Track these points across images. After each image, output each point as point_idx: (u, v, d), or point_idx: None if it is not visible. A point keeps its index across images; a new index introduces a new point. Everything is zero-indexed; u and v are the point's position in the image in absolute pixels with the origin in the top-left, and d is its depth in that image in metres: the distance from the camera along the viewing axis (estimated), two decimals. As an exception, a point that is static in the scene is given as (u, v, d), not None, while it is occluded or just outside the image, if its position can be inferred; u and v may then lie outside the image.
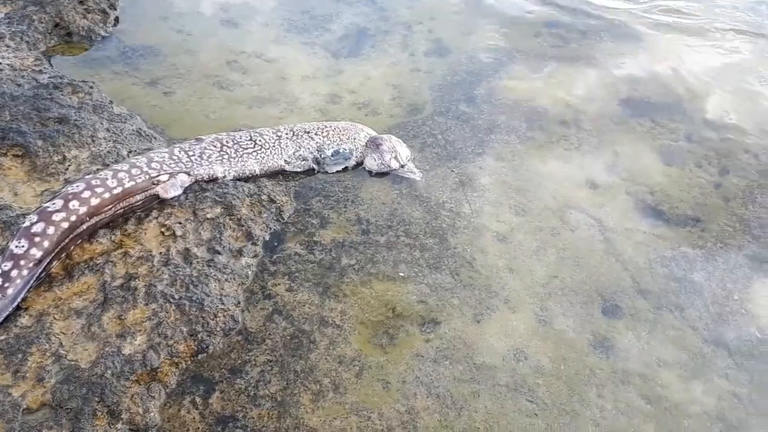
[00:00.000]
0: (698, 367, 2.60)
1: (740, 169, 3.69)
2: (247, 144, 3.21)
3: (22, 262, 2.40)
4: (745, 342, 2.71)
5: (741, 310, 2.84)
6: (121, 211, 2.79)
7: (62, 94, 3.51)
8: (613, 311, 2.81)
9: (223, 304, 2.52)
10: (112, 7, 4.60)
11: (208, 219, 2.85)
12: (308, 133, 3.40)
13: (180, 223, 2.80)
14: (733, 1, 5.76)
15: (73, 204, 2.59)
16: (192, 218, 2.84)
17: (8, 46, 3.91)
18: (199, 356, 2.39)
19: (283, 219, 3.04)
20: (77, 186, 2.66)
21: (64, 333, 2.30)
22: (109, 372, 2.19)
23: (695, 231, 3.26)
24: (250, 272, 2.73)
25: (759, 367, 2.62)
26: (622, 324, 2.76)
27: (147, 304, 2.44)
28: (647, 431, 2.35)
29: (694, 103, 4.29)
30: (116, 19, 4.59)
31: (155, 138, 3.43)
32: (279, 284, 2.72)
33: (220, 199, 2.95)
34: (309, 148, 3.36)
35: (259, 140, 3.25)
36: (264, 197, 3.06)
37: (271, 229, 2.97)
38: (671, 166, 3.71)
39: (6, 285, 2.34)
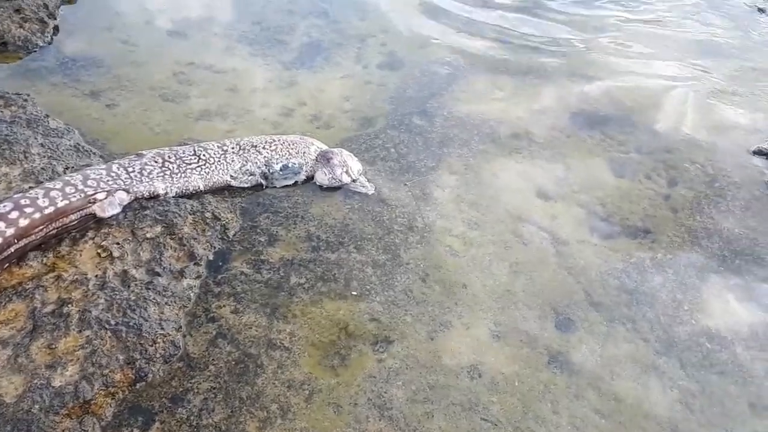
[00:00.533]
0: (651, 379, 2.59)
1: (688, 181, 3.76)
2: (190, 159, 3.09)
3: (-60, 289, 2.22)
4: (695, 353, 2.73)
5: (691, 320, 2.86)
6: (54, 231, 2.63)
7: (-7, 108, 3.32)
8: (567, 325, 2.79)
9: (162, 329, 2.39)
10: (51, 16, 4.41)
11: (147, 239, 2.71)
12: (255, 147, 3.30)
13: (118, 243, 2.66)
14: (682, 13, 5.93)
15: None
16: (130, 238, 2.70)
17: (-65, 57, 3.70)
18: (137, 385, 2.25)
19: (228, 237, 2.92)
20: (4, 206, 2.49)
21: (-14, 365, 2.14)
22: (37, 406, 2.04)
23: (646, 242, 3.29)
24: (192, 294, 2.60)
25: (709, 378, 2.63)
26: (576, 338, 2.74)
27: (80, 331, 2.29)
28: (602, 448, 2.33)
29: (644, 116, 4.36)
30: (56, 28, 4.41)
31: (94, 153, 3.27)
32: (223, 306, 2.60)
33: (160, 218, 2.82)
34: (256, 163, 3.25)
35: (204, 155, 3.13)
36: (208, 214, 2.94)
37: (215, 247, 2.85)
38: (622, 177, 3.75)
39: None
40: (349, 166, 3.36)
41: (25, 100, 3.47)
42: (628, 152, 3.98)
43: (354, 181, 3.37)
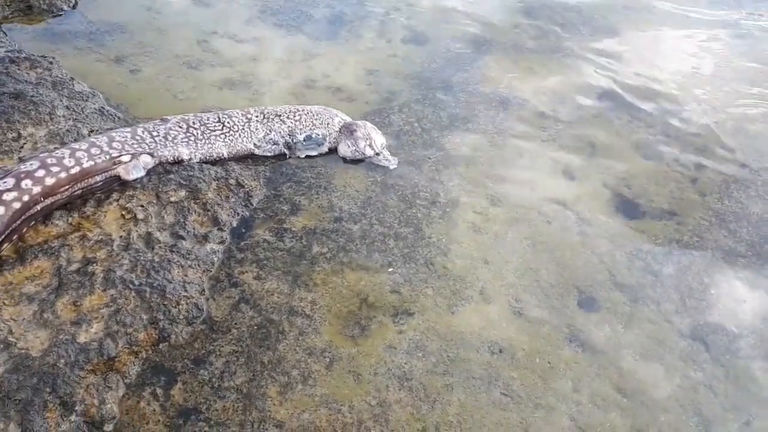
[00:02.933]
0: (675, 360, 2.56)
1: (717, 164, 3.69)
2: (215, 126, 3.07)
3: (-32, 244, 2.23)
4: (721, 337, 2.68)
5: (718, 304, 2.82)
6: (80, 192, 2.63)
7: (19, 69, 3.32)
8: (589, 304, 2.76)
9: (186, 291, 2.39)
10: (77, -20, 4.39)
11: (171, 202, 2.71)
12: (280, 116, 3.27)
13: (142, 206, 2.66)
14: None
15: (26, 183, 2.42)
16: (155, 201, 2.70)
17: (-38, 17, 3.69)
18: (161, 345, 2.26)
19: (252, 204, 2.91)
20: (31, 164, 2.49)
21: (14, 319, 2.15)
22: (62, 361, 2.05)
23: (671, 225, 3.23)
24: (215, 259, 2.60)
25: (735, 362, 2.59)
26: (598, 317, 2.71)
27: (105, 290, 2.30)
28: (624, 426, 2.30)
29: (673, 99, 4.28)
30: (80, -7, 4.39)
31: (118, 117, 3.27)
32: (246, 272, 2.60)
33: (185, 182, 2.81)
34: (280, 132, 3.23)
35: (228, 122, 3.11)
36: (232, 181, 2.93)
37: (238, 214, 2.84)
38: (649, 159, 3.68)
39: (-50, 268, 2.18)
40: (372, 139, 3.33)
41: (51, 63, 3.47)
42: (656, 134, 3.91)
43: (377, 154, 3.34)
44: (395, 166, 3.32)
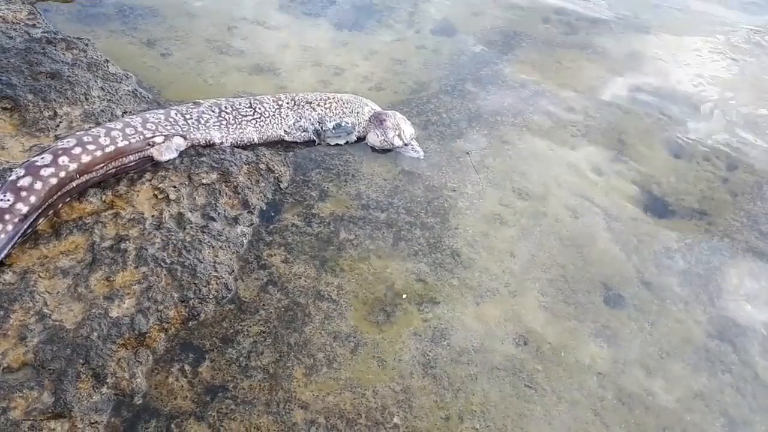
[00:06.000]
0: (702, 360, 2.54)
1: (749, 165, 3.63)
2: (246, 111, 3.09)
3: (6, 217, 2.27)
4: (750, 338, 2.65)
5: (747, 305, 2.78)
6: (113, 171, 2.67)
7: (56, 50, 3.37)
8: (616, 301, 2.75)
9: (216, 271, 2.42)
10: (111, -36, 4.43)
11: (203, 184, 2.74)
12: (310, 103, 3.28)
13: (174, 186, 2.69)
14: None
15: (63, 160, 2.46)
16: (187, 183, 2.73)
17: (1, -3, 3.75)
18: (190, 323, 2.29)
19: (281, 189, 2.93)
20: (68, 141, 2.53)
21: (49, 292, 2.19)
22: (95, 334, 2.09)
23: (702, 224, 3.20)
24: (245, 241, 2.63)
25: (764, 364, 2.56)
26: (625, 314, 2.69)
27: (137, 267, 2.33)
28: (648, 424, 2.29)
29: (704, 99, 4.21)
30: (114, -23, 4.43)
31: (150, 100, 3.30)
32: (275, 255, 2.62)
33: (216, 165, 2.84)
34: (310, 119, 3.24)
35: (259, 108, 3.13)
36: (262, 166, 2.95)
37: (268, 198, 2.86)
38: (679, 158, 3.64)
39: (-11, 239, 2.22)
40: (401, 130, 3.33)
41: (86, 45, 3.51)
42: (686, 133, 3.86)
43: (405, 145, 3.34)
44: (422, 157, 3.32)
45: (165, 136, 2.80)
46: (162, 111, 2.94)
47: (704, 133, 3.87)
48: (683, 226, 3.17)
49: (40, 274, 2.25)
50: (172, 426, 1.99)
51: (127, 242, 2.41)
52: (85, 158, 2.52)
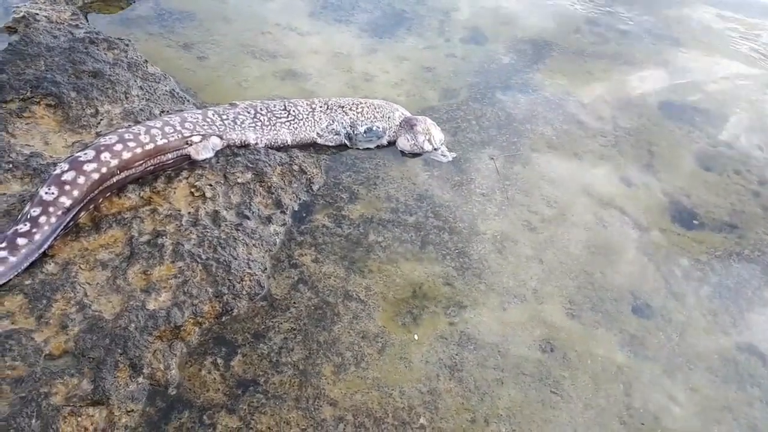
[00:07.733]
0: (731, 373, 2.52)
1: (781, 179, 3.60)
2: (280, 113, 3.16)
3: (50, 209, 2.36)
4: (779, 352, 2.63)
5: (778, 319, 2.76)
6: (152, 168, 2.75)
7: (98, 49, 3.48)
8: (644, 310, 2.74)
9: (249, 268, 2.47)
10: (151, -31, 4.56)
11: (238, 183, 2.80)
12: (342, 108, 3.34)
13: (210, 185, 2.76)
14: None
15: (105, 156, 2.54)
16: (222, 181, 2.80)
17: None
18: (223, 318, 2.34)
19: (313, 190, 2.99)
20: (110, 138, 2.62)
21: (89, 283, 2.26)
22: (133, 325, 2.15)
23: (732, 237, 3.17)
24: (277, 240, 2.68)
25: (793, 379, 2.54)
26: (653, 324, 2.68)
27: (173, 262, 2.40)
28: (675, 433, 2.28)
29: (736, 110, 4.18)
30: (154, -18, 4.55)
31: (188, 101, 3.39)
32: (305, 254, 2.67)
33: (251, 165, 2.91)
34: (342, 123, 3.30)
35: (293, 111, 3.20)
36: (295, 167, 3.01)
37: (300, 199, 2.92)
38: (709, 170, 3.62)
39: (34, 230, 2.30)
40: (431, 135, 3.37)
41: (127, 45, 3.61)
42: (716, 146, 3.84)
43: (435, 149, 3.37)
44: (451, 161, 3.35)
45: (202, 135, 2.87)
46: (200, 111, 3.02)
47: (735, 146, 3.85)
48: (713, 239, 3.15)
49: (81, 265, 2.32)
50: (204, 417, 2.04)
51: (164, 237, 2.48)
52: (126, 155, 2.60)
